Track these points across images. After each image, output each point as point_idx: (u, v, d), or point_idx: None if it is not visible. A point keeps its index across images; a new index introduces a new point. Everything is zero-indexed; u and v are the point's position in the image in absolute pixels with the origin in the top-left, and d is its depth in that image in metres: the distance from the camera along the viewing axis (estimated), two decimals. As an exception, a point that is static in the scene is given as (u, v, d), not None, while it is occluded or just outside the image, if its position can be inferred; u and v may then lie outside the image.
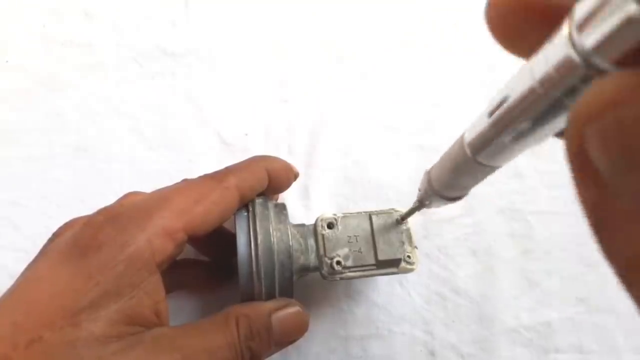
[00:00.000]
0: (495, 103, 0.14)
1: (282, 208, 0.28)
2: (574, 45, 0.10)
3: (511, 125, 0.13)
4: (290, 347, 0.26)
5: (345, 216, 0.28)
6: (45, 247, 0.25)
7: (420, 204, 0.23)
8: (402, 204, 0.35)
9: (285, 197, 0.35)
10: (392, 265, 0.28)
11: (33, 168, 0.36)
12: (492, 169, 0.16)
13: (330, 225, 0.28)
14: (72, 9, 0.41)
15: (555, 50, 0.10)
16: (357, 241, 0.28)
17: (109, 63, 0.40)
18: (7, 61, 0.39)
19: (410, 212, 0.26)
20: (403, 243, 0.28)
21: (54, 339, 0.20)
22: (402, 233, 0.28)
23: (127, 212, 0.23)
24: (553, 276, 0.34)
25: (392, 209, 0.29)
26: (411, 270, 0.28)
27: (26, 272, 0.23)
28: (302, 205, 0.35)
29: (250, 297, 0.26)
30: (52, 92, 0.39)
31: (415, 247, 0.28)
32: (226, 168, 0.27)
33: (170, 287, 0.25)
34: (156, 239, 0.22)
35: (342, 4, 0.42)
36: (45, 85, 0.39)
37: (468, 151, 0.16)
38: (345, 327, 0.33)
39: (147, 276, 0.22)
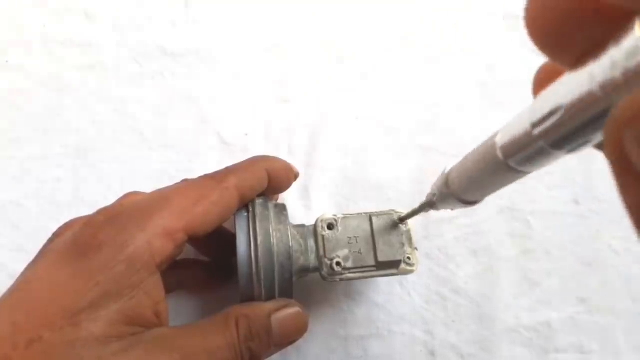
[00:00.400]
0: (543, 112, 0.13)
1: (282, 209, 0.28)
2: None
3: (560, 132, 0.13)
4: (290, 347, 0.26)
5: (345, 217, 0.28)
6: (45, 247, 0.25)
7: (427, 206, 0.23)
8: (402, 204, 0.35)
9: (285, 197, 0.35)
10: (392, 266, 0.28)
11: (33, 168, 0.36)
12: (521, 174, 0.16)
13: (330, 226, 0.28)
14: (72, 9, 0.41)
15: (625, 52, 0.10)
16: (357, 242, 0.28)
17: (109, 63, 0.40)
18: (7, 61, 0.39)
19: (413, 213, 0.26)
20: (403, 244, 0.28)
21: (54, 339, 0.20)
22: (402, 234, 0.28)
23: (127, 212, 0.23)
24: (553, 276, 0.34)
25: (393, 210, 0.29)
26: (411, 271, 0.28)
27: (26, 272, 0.23)
28: (302, 206, 0.35)
29: (250, 297, 0.26)
30: (52, 92, 0.39)
31: (416, 248, 0.28)
32: (226, 168, 0.27)
33: (170, 287, 0.25)
34: (156, 239, 0.22)
35: (342, 4, 0.42)
36: (45, 85, 0.39)
37: (500, 154, 0.16)
38: (345, 327, 0.33)
39: (147, 276, 0.22)
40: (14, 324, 0.20)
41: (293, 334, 0.26)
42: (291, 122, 0.38)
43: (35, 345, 0.20)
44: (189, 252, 0.32)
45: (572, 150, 0.13)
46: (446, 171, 0.20)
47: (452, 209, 0.21)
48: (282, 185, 0.30)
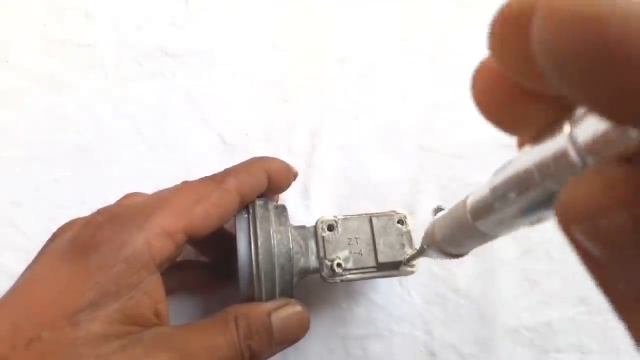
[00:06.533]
0: (498, 178, 0.13)
1: (282, 210, 0.28)
2: (573, 143, 0.10)
3: (509, 205, 0.13)
4: (289, 347, 0.26)
5: (345, 218, 0.28)
6: (44, 247, 0.25)
7: (422, 251, 0.22)
8: (403, 204, 0.35)
9: (285, 197, 0.35)
10: (392, 267, 0.28)
11: (33, 168, 0.36)
12: (491, 237, 0.16)
13: (330, 228, 0.28)
14: (72, 9, 0.41)
15: (555, 144, 0.10)
16: (357, 243, 0.28)
17: (109, 63, 0.40)
18: (7, 61, 0.39)
19: (415, 255, 0.25)
20: (403, 245, 0.28)
21: (54, 339, 0.20)
22: (402, 235, 0.28)
23: (127, 212, 0.24)
24: (553, 276, 0.34)
25: (393, 211, 0.29)
26: (411, 272, 0.28)
27: (26, 273, 0.23)
28: (302, 205, 0.35)
29: (250, 298, 0.26)
30: (52, 92, 0.39)
31: (416, 249, 0.28)
32: (225, 170, 0.27)
33: (171, 288, 0.25)
34: (156, 239, 0.22)
35: (342, 3, 0.42)
36: (45, 85, 0.39)
37: (469, 216, 0.16)
38: (345, 327, 0.33)
39: (146, 276, 0.22)
40: (13, 323, 0.20)
41: (294, 333, 0.26)
42: (291, 122, 0.38)
43: (35, 345, 0.20)
44: (190, 253, 0.32)
45: (532, 222, 0.13)
46: (433, 220, 0.20)
47: (437, 259, 0.21)
48: (282, 186, 0.30)
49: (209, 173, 0.27)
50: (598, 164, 0.09)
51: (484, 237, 0.16)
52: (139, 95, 0.39)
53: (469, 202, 0.16)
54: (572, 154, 0.10)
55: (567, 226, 0.10)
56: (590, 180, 0.09)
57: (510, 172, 0.13)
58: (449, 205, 0.38)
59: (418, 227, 0.34)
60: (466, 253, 0.19)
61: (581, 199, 0.09)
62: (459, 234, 0.17)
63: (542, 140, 0.11)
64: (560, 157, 0.10)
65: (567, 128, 0.10)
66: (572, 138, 0.10)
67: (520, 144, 0.13)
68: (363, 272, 0.27)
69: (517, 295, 0.33)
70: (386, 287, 0.33)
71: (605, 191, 0.09)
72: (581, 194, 0.09)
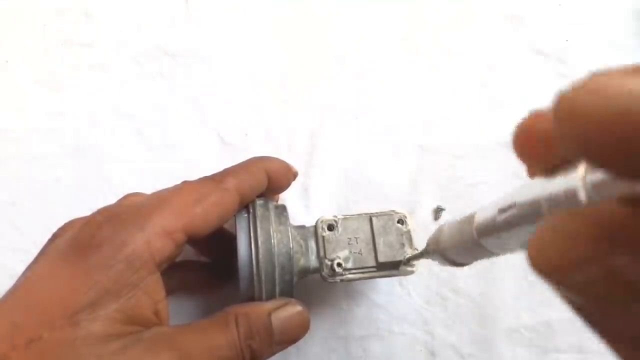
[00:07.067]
0: (506, 202, 0.14)
1: (282, 209, 0.28)
2: (585, 184, 0.10)
3: (514, 229, 0.14)
4: (290, 347, 0.26)
5: (345, 218, 0.28)
6: (45, 247, 0.25)
7: (425, 254, 0.23)
8: (402, 204, 0.35)
9: (285, 197, 0.35)
10: (392, 267, 0.28)
11: (33, 168, 0.36)
12: (493, 254, 0.16)
13: (330, 227, 0.28)
14: (72, 9, 0.41)
15: (568, 182, 0.11)
16: (357, 243, 0.28)
17: (109, 63, 0.40)
18: (7, 61, 0.39)
19: (416, 256, 0.26)
20: (403, 245, 0.28)
21: (54, 339, 0.20)
22: (402, 235, 0.28)
23: (127, 212, 0.24)
24: (553, 276, 0.34)
25: (393, 210, 0.29)
26: (411, 272, 0.28)
27: (26, 272, 0.23)
28: (302, 206, 0.35)
29: (250, 298, 0.26)
30: (52, 92, 0.39)
31: (416, 249, 0.28)
32: (225, 170, 0.27)
33: (171, 288, 0.25)
34: (155, 238, 0.22)
35: (342, 3, 0.42)
36: (45, 85, 0.39)
37: (474, 233, 0.16)
38: (345, 327, 0.33)
39: (146, 276, 0.22)
40: (13, 323, 0.20)
41: (294, 332, 0.26)
42: (291, 122, 0.38)
43: (35, 344, 0.20)
44: (190, 253, 0.32)
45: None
46: (440, 226, 0.20)
47: (441, 265, 0.21)
48: (281, 185, 0.30)
49: (209, 173, 0.27)
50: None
51: (488, 253, 0.16)
52: (139, 95, 0.39)
53: (476, 219, 0.16)
54: (582, 194, 0.10)
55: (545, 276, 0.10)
56: (570, 222, 0.09)
57: (518, 198, 0.13)
58: (449, 205, 0.38)
59: (418, 227, 0.34)
60: (469, 264, 0.19)
61: (556, 248, 0.09)
62: (463, 247, 0.18)
63: (556, 176, 0.12)
64: (571, 196, 0.11)
65: (581, 170, 0.10)
66: (585, 180, 0.10)
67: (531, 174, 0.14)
68: (363, 272, 0.27)
69: (517, 295, 0.33)
70: (386, 288, 0.33)
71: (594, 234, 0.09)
72: (558, 243, 0.09)
